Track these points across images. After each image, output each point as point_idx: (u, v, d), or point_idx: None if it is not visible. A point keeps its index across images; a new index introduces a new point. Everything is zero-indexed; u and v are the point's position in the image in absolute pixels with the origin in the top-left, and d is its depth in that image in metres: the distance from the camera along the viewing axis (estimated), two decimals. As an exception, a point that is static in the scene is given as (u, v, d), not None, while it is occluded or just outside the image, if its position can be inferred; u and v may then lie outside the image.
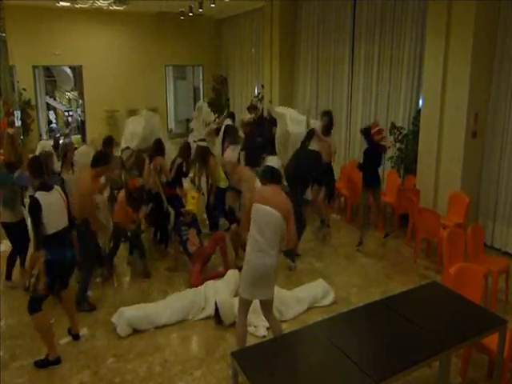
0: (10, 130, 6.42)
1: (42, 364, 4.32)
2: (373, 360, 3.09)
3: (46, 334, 4.32)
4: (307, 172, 6.47)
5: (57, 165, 6.24)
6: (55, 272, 4.22)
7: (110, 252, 6.05)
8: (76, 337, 4.72)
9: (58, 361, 4.33)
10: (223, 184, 7.12)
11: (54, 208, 4.15)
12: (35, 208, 4.05)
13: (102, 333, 4.86)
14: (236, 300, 4.77)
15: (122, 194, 5.96)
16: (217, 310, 4.93)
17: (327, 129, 7.32)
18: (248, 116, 10.05)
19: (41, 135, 14.64)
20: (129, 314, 4.85)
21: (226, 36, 16.17)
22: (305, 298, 5.29)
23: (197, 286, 5.59)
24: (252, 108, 10.50)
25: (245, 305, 4.00)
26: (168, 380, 4.13)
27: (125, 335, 4.77)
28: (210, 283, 5.47)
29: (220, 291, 5.19)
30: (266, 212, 3.81)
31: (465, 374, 3.96)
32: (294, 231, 3.95)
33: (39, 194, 4.11)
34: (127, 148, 7.65)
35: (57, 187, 4.35)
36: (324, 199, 7.38)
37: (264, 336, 4.56)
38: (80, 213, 5.10)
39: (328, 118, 7.36)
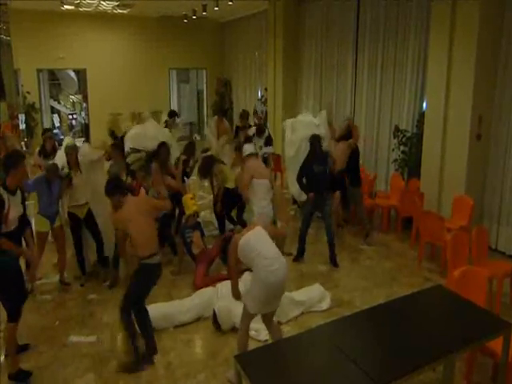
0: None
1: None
2: (376, 364, 3.08)
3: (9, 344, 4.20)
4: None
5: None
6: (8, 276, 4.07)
7: (114, 257, 6.04)
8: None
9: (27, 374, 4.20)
10: (230, 184, 7.21)
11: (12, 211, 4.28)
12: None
13: (107, 336, 4.87)
14: (234, 306, 4.75)
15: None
16: (214, 315, 4.90)
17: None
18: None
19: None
20: (154, 313, 4.84)
21: (230, 39, 16.20)
22: (301, 301, 5.27)
23: (200, 288, 5.61)
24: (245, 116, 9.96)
25: (252, 318, 4.00)
26: (172, 383, 4.13)
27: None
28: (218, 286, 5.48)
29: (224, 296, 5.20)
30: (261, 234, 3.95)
31: (469, 378, 3.94)
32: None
33: (3, 192, 4.22)
34: (135, 150, 7.53)
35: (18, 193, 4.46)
36: (339, 202, 7.50)
37: (266, 340, 4.54)
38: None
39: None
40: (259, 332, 4.68)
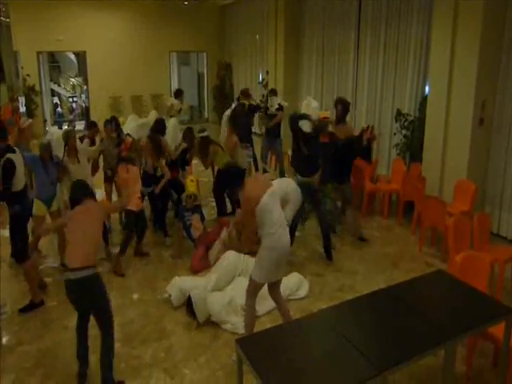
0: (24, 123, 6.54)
1: (26, 308, 4.95)
2: (377, 348, 3.08)
3: (32, 280, 5.00)
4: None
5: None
6: (24, 221, 4.96)
7: (124, 243, 6.00)
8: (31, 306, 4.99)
9: (42, 303, 5.06)
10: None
11: (21, 167, 4.83)
12: (11, 168, 4.66)
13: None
14: (211, 296, 4.82)
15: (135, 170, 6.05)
16: (189, 301, 4.80)
17: (339, 118, 7.05)
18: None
19: (45, 121, 14.62)
20: (181, 285, 5.06)
21: (230, 22, 16.02)
22: None
23: (197, 270, 5.70)
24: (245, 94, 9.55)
25: (259, 288, 4.07)
26: (172, 366, 4.15)
27: (178, 305, 5.01)
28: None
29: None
30: (268, 201, 3.90)
31: (470, 363, 3.94)
32: None
33: (11, 156, 4.69)
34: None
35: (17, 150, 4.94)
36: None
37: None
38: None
39: (341, 106, 7.06)
40: (235, 325, 4.60)
